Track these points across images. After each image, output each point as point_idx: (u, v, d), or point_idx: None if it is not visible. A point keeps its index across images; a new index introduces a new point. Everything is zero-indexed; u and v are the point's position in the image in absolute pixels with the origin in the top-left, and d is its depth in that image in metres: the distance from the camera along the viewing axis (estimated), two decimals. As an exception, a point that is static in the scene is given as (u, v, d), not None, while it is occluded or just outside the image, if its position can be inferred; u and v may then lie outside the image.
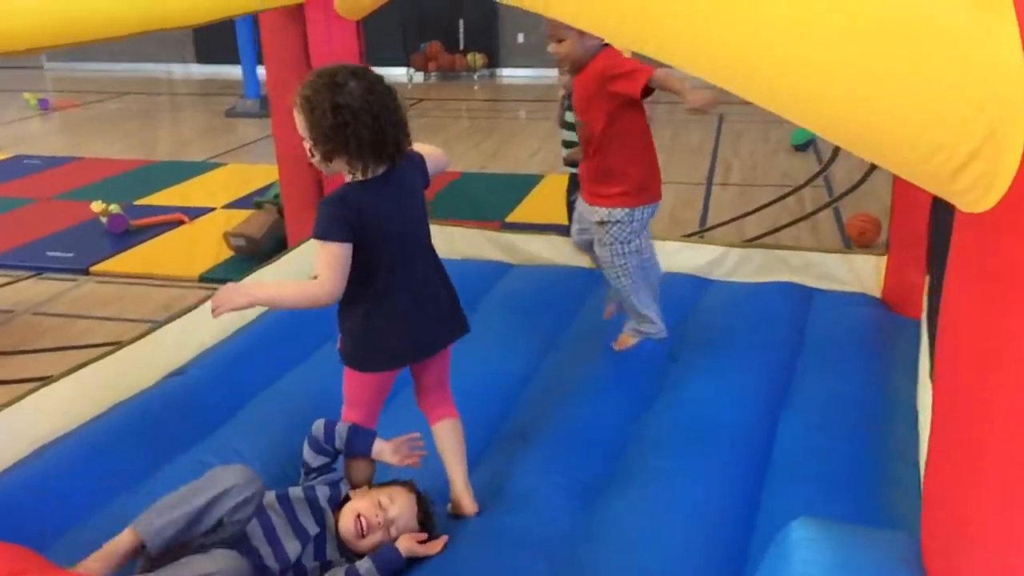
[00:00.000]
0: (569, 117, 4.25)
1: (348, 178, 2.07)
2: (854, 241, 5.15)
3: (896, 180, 3.32)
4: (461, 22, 11.36)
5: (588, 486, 2.34)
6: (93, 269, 4.97)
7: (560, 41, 2.65)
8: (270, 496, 2.10)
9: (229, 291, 2.06)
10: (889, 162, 1.00)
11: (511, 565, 2.03)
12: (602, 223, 2.78)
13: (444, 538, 2.13)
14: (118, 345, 2.92)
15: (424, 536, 2.11)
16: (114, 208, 5.53)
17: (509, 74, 11.73)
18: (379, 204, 2.05)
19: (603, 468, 2.42)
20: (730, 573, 2.01)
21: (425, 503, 2.17)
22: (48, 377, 2.73)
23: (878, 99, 0.94)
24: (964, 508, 1.06)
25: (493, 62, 11.61)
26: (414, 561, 2.07)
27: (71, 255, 5.14)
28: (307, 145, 2.03)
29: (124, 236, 5.41)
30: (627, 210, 2.76)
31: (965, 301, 1.04)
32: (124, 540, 1.92)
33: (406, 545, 2.06)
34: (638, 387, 2.85)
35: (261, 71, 9.20)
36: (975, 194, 0.95)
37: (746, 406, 2.66)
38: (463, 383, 2.41)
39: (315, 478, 2.23)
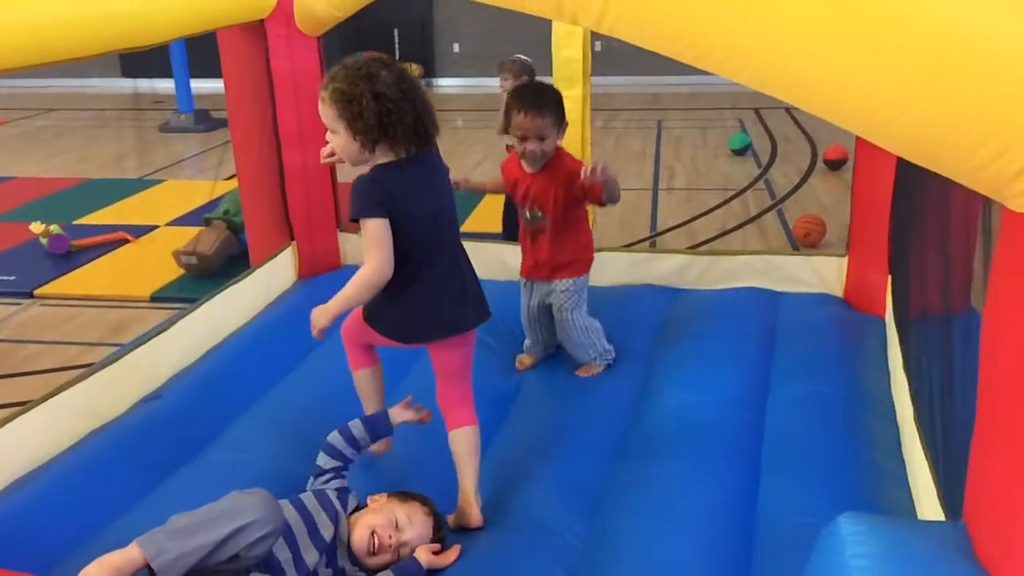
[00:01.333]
0: None
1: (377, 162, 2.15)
2: (800, 242, 5.30)
3: (855, 186, 3.43)
4: (396, 32, 11.34)
5: (588, 495, 2.36)
6: (37, 292, 4.82)
7: (543, 139, 2.78)
8: (287, 506, 2.05)
9: (315, 317, 2.19)
10: (947, 168, 1.06)
11: (528, 571, 2.05)
12: (566, 291, 2.96)
13: (458, 547, 2.13)
14: (88, 370, 2.83)
15: (438, 547, 2.11)
16: (55, 228, 5.37)
17: (446, 84, 11.76)
18: (410, 186, 2.13)
19: (600, 476, 2.44)
20: (739, 569, 2.06)
21: (440, 525, 2.16)
22: (12, 404, 2.64)
23: (946, 113, 0.99)
24: (1016, 495, 1.11)
25: (429, 72, 11.61)
26: (430, 572, 2.07)
27: (13, 278, 4.97)
28: (339, 139, 2.11)
29: (67, 257, 5.27)
30: (585, 276, 3.02)
31: (1012, 297, 1.10)
32: (131, 559, 1.81)
33: (426, 559, 2.05)
34: (622, 397, 2.89)
35: (196, 85, 9.15)
36: (1032, 194, 1.01)
37: (728, 410, 2.71)
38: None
39: (325, 481, 2.21)
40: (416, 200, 2.14)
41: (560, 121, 2.81)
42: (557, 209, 2.89)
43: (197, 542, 1.79)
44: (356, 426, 2.30)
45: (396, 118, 2.04)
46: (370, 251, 2.11)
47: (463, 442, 2.29)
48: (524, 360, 3.15)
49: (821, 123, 6.78)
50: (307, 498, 2.11)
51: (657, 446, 2.54)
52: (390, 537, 2.04)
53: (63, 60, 2.68)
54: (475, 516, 2.23)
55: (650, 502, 2.26)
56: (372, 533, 2.04)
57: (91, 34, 2.73)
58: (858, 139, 3.37)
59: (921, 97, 1.00)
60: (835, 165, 6.85)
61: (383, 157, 2.12)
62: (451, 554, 2.11)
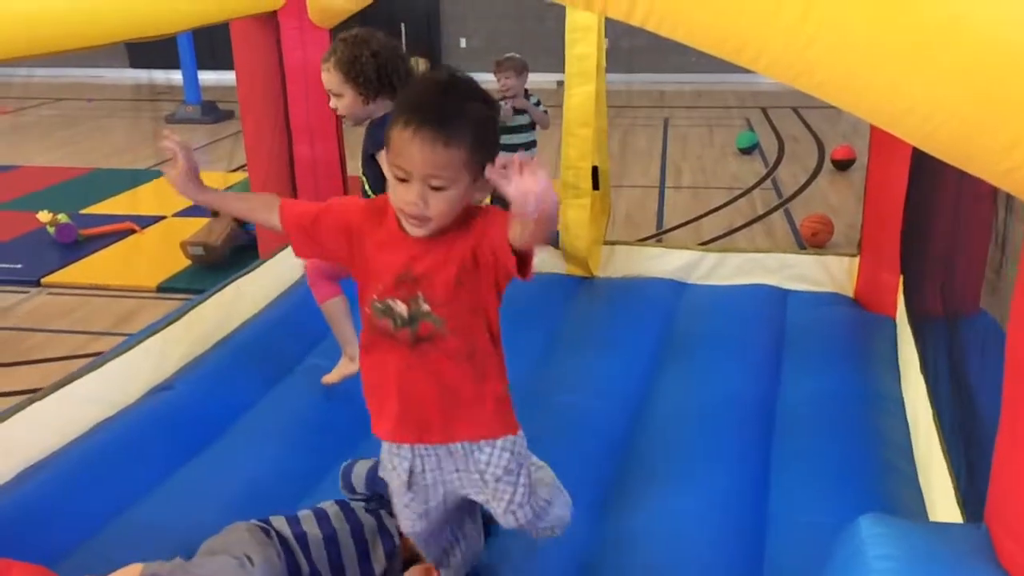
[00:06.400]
0: (511, 122, 4.24)
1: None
2: (807, 241, 5.29)
3: (868, 186, 3.42)
4: (403, 26, 11.30)
5: (600, 491, 2.36)
6: (45, 280, 4.81)
7: (441, 189, 1.50)
8: (339, 518, 2.00)
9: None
10: (977, 169, 1.06)
11: (541, 566, 2.06)
12: (505, 459, 1.71)
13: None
14: (100, 358, 2.84)
15: None
16: (62, 217, 5.37)
17: (451, 79, 11.72)
18: None
19: (608, 473, 2.44)
20: (751, 567, 2.06)
21: None
22: (19, 392, 2.63)
23: (978, 115, 1.00)
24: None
25: (435, 66, 11.58)
26: None
27: (19, 266, 4.97)
28: (344, 100, 2.46)
29: (74, 246, 5.26)
30: (522, 434, 1.76)
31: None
32: None
33: None
34: (628, 391, 2.88)
35: (203, 76, 9.14)
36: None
37: (738, 406, 2.71)
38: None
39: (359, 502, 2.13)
40: None
41: (481, 155, 1.46)
42: (461, 303, 1.57)
43: None
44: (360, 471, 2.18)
45: (392, 69, 2.43)
46: None
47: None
48: None
49: (828, 123, 6.73)
50: (364, 517, 2.03)
51: (666, 443, 2.54)
52: None
53: (77, 48, 2.68)
54: None
55: (659, 499, 2.26)
56: None
57: (106, 22, 2.73)
58: (872, 141, 3.36)
59: (954, 99, 1.00)
60: (843, 165, 6.84)
61: (382, 109, 2.47)
62: None
